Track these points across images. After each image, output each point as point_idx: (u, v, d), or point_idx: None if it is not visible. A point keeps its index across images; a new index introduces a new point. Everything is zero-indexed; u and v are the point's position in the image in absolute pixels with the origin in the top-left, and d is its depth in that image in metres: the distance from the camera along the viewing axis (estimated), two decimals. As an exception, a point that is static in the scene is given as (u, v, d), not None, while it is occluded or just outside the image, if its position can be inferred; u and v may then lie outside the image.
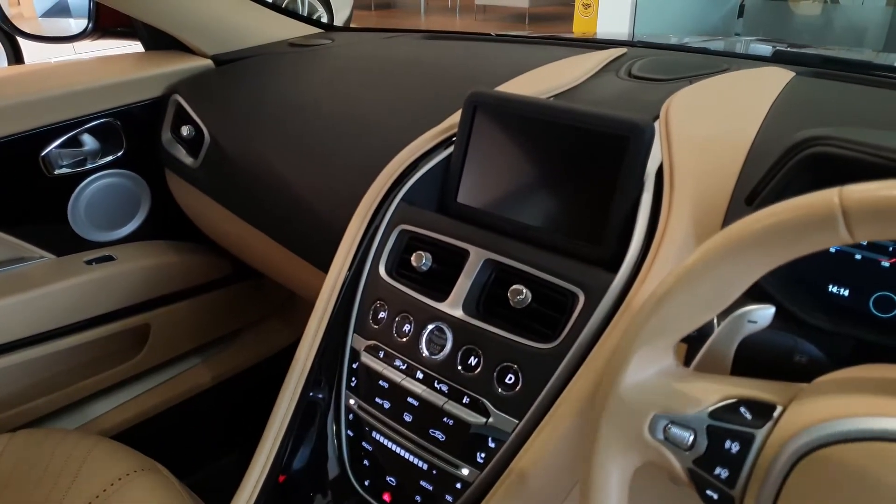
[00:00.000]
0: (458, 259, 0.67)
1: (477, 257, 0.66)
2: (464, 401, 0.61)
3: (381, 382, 0.67)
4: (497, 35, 1.20)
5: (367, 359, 0.68)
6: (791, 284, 0.53)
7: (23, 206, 1.09)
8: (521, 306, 0.61)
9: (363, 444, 0.69)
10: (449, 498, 0.61)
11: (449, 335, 0.64)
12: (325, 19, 4.67)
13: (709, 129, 0.66)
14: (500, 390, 0.60)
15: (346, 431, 0.70)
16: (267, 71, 1.11)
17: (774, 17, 5.12)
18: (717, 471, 0.39)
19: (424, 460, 0.63)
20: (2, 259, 1.09)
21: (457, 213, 0.72)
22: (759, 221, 0.37)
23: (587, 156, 0.64)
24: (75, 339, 1.11)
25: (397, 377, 0.65)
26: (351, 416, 0.70)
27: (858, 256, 0.53)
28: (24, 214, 1.09)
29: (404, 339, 0.67)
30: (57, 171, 1.08)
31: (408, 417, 0.65)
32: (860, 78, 0.80)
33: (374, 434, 0.68)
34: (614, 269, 0.58)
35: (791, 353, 0.50)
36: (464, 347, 0.63)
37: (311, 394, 0.72)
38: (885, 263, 0.51)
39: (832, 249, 0.54)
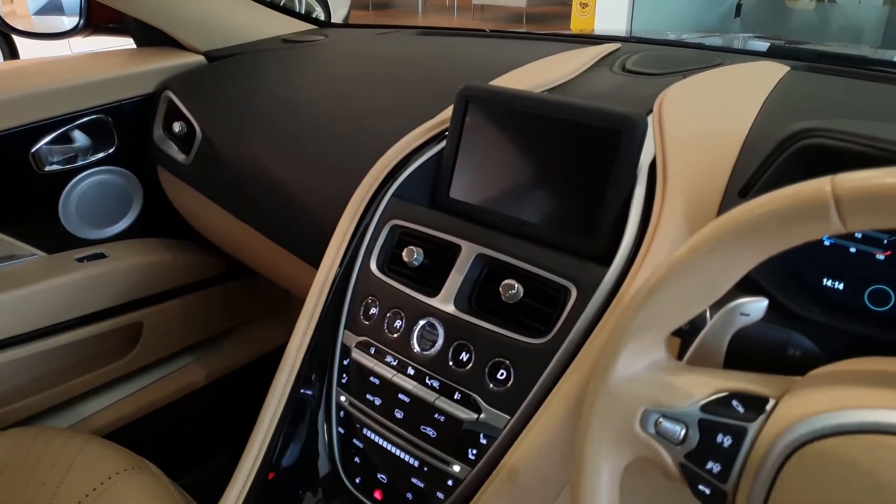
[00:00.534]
0: (449, 254, 0.66)
1: (469, 252, 0.65)
2: (455, 397, 0.61)
3: (372, 379, 0.66)
4: (491, 31, 1.20)
5: (357, 355, 0.68)
6: (784, 278, 0.52)
7: (13, 203, 1.08)
8: (512, 301, 0.61)
9: (354, 441, 0.68)
10: (440, 495, 0.61)
11: (440, 331, 0.63)
12: (322, 18, 4.66)
13: (702, 123, 0.65)
14: (491, 386, 0.59)
15: (336, 428, 0.70)
16: (259, 67, 1.10)
17: (771, 16, 5.12)
18: (709, 465, 0.39)
19: (415, 457, 0.63)
20: (-8, 256, 1.08)
21: (449, 208, 0.71)
22: (749, 212, 0.36)
23: (580, 150, 0.63)
24: (67, 337, 1.10)
25: (388, 373, 0.65)
26: (342, 413, 0.69)
27: (853, 250, 0.52)
28: (14, 211, 1.08)
29: (395, 335, 0.66)
30: (48, 168, 1.07)
31: (399, 414, 0.64)
32: (855, 72, 0.80)
33: (364, 431, 0.67)
34: (607, 263, 0.58)
35: (785, 346, 0.49)
36: (455, 343, 0.62)
37: (301, 391, 0.71)
38: (881, 256, 0.51)
39: (826, 242, 0.53)
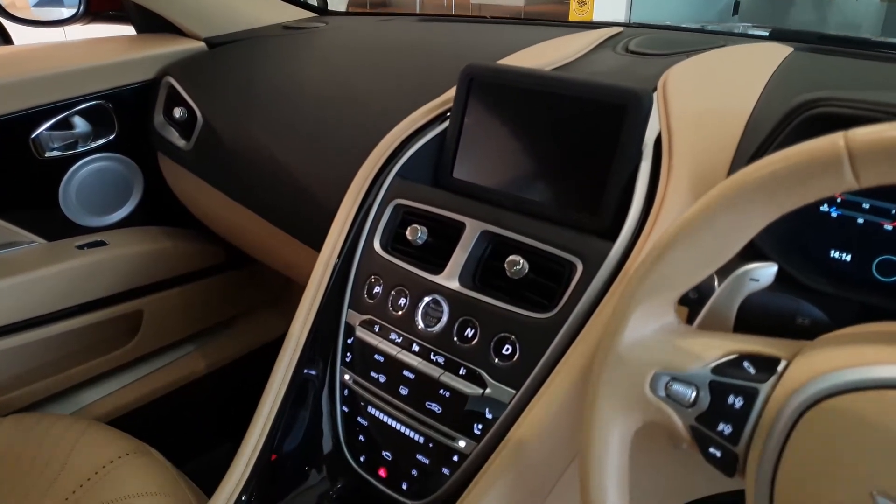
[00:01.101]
0: (453, 232, 0.66)
1: (473, 229, 0.65)
2: (460, 372, 0.60)
3: (376, 356, 0.66)
4: (492, 17, 1.19)
5: (362, 333, 0.67)
6: (792, 250, 0.52)
7: (14, 189, 1.07)
8: (517, 277, 0.61)
9: (358, 419, 0.68)
10: (446, 471, 0.60)
11: (445, 307, 0.63)
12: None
13: (707, 100, 0.65)
14: (496, 361, 0.59)
15: (340, 407, 0.69)
16: (260, 53, 1.10)
17: (769, 13, 5.13)
18: (721, 427, 0.39)
19: (421, 433, 0.62)
20: (-8, 243, 1.08)
21: (452, 188, 0.71)
22: (761, 169, 0.36)
23: (585, 126, 0.63)
24: (67, 324, 1.10)
25: (393, 350, 0.64)
26: (346, 392, 0.69)
27: (860, 220, 0.52)
28: (14, 198, 1.08)
29: (400, 313, 0.66)
30: (48, 154, 1.07)
31: (403, 391, 0.64)
32: (859, 53, 0.79)
33: (369, 409, 0.66)
34: (612, 238, 0.58)
35: (793, 315, 0.49)
36: (460, 319, 0.62)
37: (304, 371, 0.71)
38: (888, 227, 0.51)
39: (833, 214, 0.53)
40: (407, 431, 0.63)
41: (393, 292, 0.67)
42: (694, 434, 0.40)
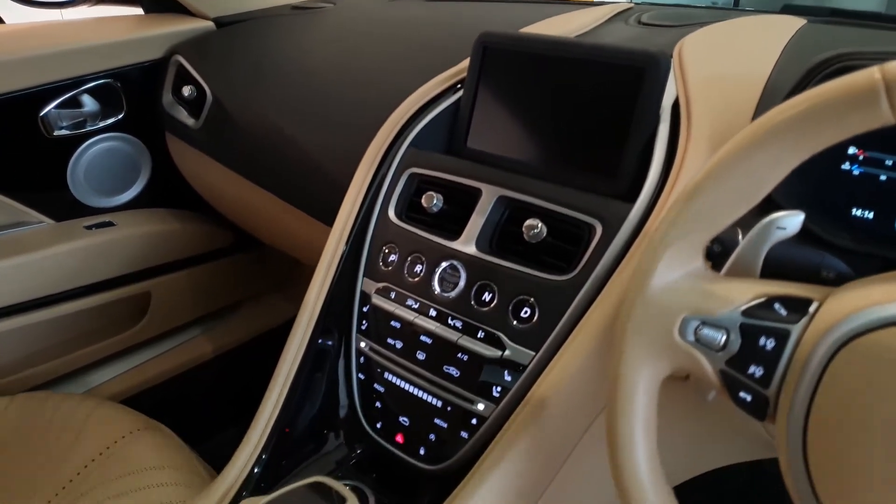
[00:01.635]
0: (469, 199, 0.66)
1: (490, 195, 0.64)
2: (478, 335, 0.60)
3: (392, 323, 0.66)
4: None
5: (378, 300, 0.67)
6: (815, 208, 0.52)
7: (23, 168, 1.07)
8: (535, 241, 0.60)
9: (374, 386, 0.67)
10: (464, 434, 0.60)
11: (462, 272, 0.63)
12: None
13: (723, 66, 0.65)
14: (515, 323, 0.59)
15: (356, 375, 0.69)
16: (269, 31, 1.09)
17: (771, 6, 5.11)
18: (751, 369, 0.38)
19: (438, 397, 0.62)
20: (1, 223, 1.07)
21: (467, 158, 0.70)
22: (797, 105, 0.36)
23: (602, 90, 0.63)
24: (75, 305, 1.10)
25: (410, 315, 0.64)
26: (362, 360, 0.69)
27: (883, 178, 0.51)
28: (23, 177, 1.07)
29: (416, 279, 0.65)
30: (56, 133, 1.06)
31: (421, 356, 0.63)
32: (872, 24, 0.79)
33: (386, 375, 0.66)
34: (630, 202, 0.57)
35: (818, 268, 0.49)
36: (478, 283, 0.61)
37: (319, 341, 0.70)
38: None
39: (855, 172, 0.53)
40: (424, 396, 0.63)
41: (409, 259, 0.66)
42: (724, 379, 0.40)
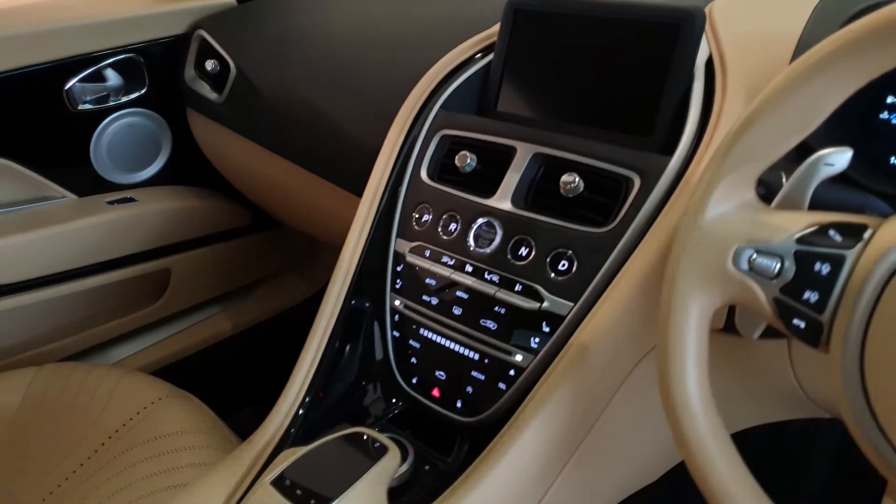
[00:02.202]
0: (503, 158, 0.66)
1: (525, 152, 0.65)
2: (516, 289, 0.60)
3: (428, 280, 0.66)
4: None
5: (412, 258, 0.68)
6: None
7: (48, 142, 1.08)
8: (572, 195, 0.61)
9: (410, 342, 0.68)
10: (502, 385, 0.61)
11: (498, 228, 0.63)
12: None
13: (755, 24, 0.65)
14: (553, 276, 0.59)
15: (391, 333, 0.70)
16: (292, 4, 1.10)
17: None
18: (806, 295, 0.39)
19: (476, 350, 0.63)
20: (26, 197, 1.08)
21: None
22: (854, 30, 0.36)
23: (635, 49, 0.63)
24: (97, 279, 1.10)
25: (446, 272, 0.65)
26: (397, 317, 0.69)
27: None
28: (49, 151, 1.08)
29: (451, 237, 0.66)
30: (80, 107, 1.07)
31: (457, 310, 0.64)
32: None
33: (421, 331, 0.67)
34: (668, 155, 0.58)
35: (862, 208, 0.49)
36: (514, 238, 0.62)
37: (353, 301, 0.71)
38: None
39: (894, 121, 0.53)
40: (461, 350, 0.64)
41: (443, 218, 0.67)
42: (777, 306, 0.40)
